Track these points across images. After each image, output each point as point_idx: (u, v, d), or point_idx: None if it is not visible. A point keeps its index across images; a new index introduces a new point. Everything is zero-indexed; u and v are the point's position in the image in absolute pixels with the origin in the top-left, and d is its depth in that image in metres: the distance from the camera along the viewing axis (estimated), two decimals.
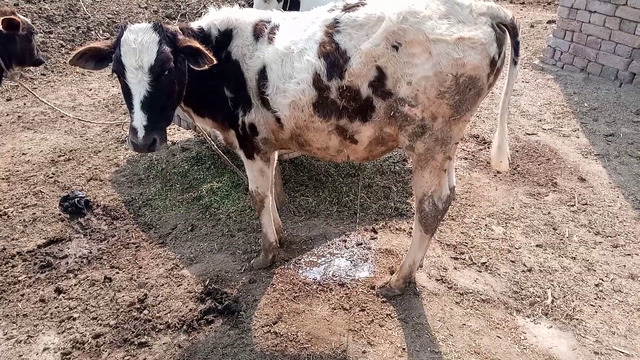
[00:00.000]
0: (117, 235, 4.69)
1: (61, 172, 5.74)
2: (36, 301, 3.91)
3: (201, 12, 10.80)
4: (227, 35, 3.52)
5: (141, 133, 3.04)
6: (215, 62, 3.15)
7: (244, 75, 3.47)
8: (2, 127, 6.81)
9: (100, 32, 9.67)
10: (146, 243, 4.59)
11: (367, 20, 3.15)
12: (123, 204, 5.20)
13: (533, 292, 3.89)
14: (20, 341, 3.55)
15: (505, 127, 3.39)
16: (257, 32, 3.48)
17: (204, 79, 3.43)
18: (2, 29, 4.61)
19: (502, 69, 3.18)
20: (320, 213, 4.95)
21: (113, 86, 8.27)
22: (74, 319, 3.71)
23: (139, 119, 3.05)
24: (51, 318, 3.74)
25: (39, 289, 4.05)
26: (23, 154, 6.14)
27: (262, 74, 3.39)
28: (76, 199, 5.04)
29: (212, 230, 4.72)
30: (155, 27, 3.17)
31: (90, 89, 8.10)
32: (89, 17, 9.96)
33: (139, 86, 3.06)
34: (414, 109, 3.09)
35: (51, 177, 5.62)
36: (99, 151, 6.23)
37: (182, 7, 10.88)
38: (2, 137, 6.55)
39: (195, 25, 3.59)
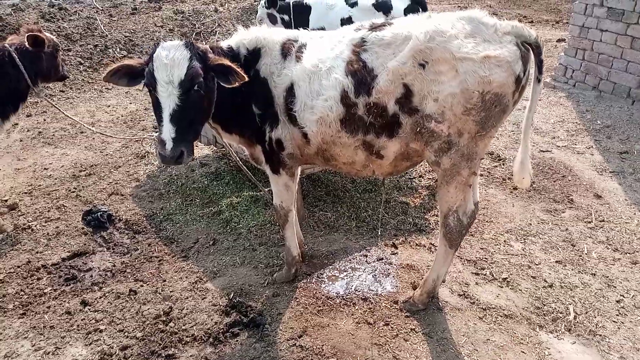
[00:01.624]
0: (139, 249, 4.76)
1: (83, 186, 5.83)
2: (62, 313, 3.97)
3: (215, 31, 11.03)
4: (255, 54, 3.62)
5: (169, 145, 3.13)
6: (246, 79, 3.25)
7: (272, 92, 3.56)
8: (23, 142, 6.93)
9: (118, 49, 9.87)
10: (169, 257, 4.65)
11: (394, 39, 3.24)
12: (145, 219, 5.27)
13: (555, 308, 3.91)
14: (49, 352, 3.60)
15: (528, 144, 3.45)
16: (285, 50, 3.58)
17: (232, 97, 3.52)
18: (28, 46, 4.75)
19: (526, 86, 3.25)
20: (339, 228, 5.00)
21: (130, 103, 8.41)
22: (101, 331, 3.75)
23: (168, 132, 3.14)
24: (78, 330, 3.79)
25: (65, 301, 4.11)
26: (45, 168, 6.24)
27: (290, 91, 3.48)
28: (99, 213, 5.12)
29: (234, 245, 4.78)
30: (186, 44, 3.29)
31: (109, 106, 8.24)
32: (107, 35, 10.17)
33: (169, 100, 3.16)
34: (440, 125, 3.16)
35: (73, 192, 5.71)
36: (119, 166, 6.33)
37: (196, 25, 11.08)
38: (23, 152, 6.67)
39: (224, 44, 3.70)
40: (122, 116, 7.87)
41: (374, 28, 3.39)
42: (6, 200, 5.47)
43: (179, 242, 4.89)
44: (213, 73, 3.32)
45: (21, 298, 4.14)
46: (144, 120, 7.77)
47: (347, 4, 7.11)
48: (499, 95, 3.08)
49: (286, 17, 7.24)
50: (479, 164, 3.36)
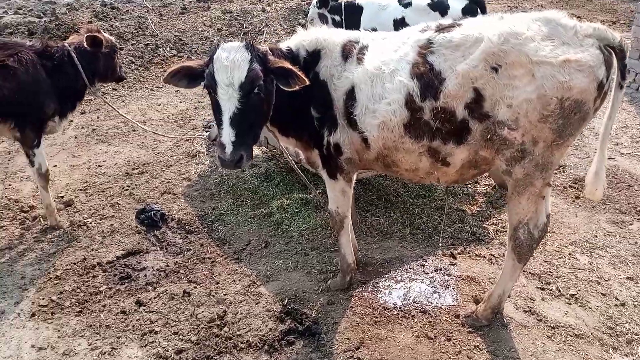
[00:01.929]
0: (192, 250, 4.75)
1: (136, 185, 5.89)
2: (117, 313, 3.99)
3: (263, 31, 11.04)
4: (315, 56, 3.53)
5: (229, 149, 3.07)
6: (307, 82, 3.16)
7: (331, 95, 3.46)
8: (78, 139, 7.08)
9: (168, 49, 10.00)
10: (221, 258, 4.62)
11: (463, 41, 3.08)
12: (197, 218, 5.27)
13: (629, 329, 3.65)
14: (105, 352, 3.61)
15: (605, 154, 3.23)
16: (346, 52, 3.47)
17: (290, 99, 3.43)
18: (86, 46, 4.81)
19: (608, 92, 3.03)
20: (393, 235, 4.85)
21: (180, 102, 8.49)
22: (156, 333, 3.75)
23: (228, 135, 3.09)
24: (133, 331, 3.80)
25: (120, 300, 4.13)
26: (99, 166, 6.35)
27: (351, 95, 3.37)
28: (152, 212, 5.15)
29: (286, 248, 4.71)
30: (247, 46, 3.23)
31: (159, 104, 8.35)
32: (157, 35, 10.32)
33: (229, 103, 3.11)
34: (513, 133, 2.98)
35: (126, 190, 5.78)
36: (171, 165, 6.37)
37: (244, 25, 11.12)
38: (78, 149, 6.81)
39: (283, 45, 3.62)
40: (172, 115, 7.95)
41: (441, 29, 3.23)
42: (62, 197, 5.58)
43: (231, 243, 4.86)
44: (273, 76, 3.26)
45: (77, 295, 4.19)
46: (194, 119, 7.82)
47: (400, 4, 6.94)
48: (579, 102, 2.88)
49: (337, 18, 7.14)
50: (553, 174, 3.15)
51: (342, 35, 3.59)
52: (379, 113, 3.25)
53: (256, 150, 6.67)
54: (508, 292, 3.57)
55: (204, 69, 3.25)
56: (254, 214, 5.35)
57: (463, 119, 3.08)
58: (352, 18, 7.03)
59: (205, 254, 4.68)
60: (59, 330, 3.83)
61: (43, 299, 4.14)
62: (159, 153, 6.71)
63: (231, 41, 3.35)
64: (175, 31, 10.56)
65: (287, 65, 3.21)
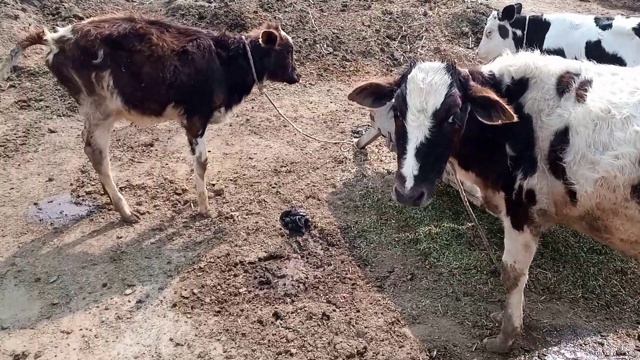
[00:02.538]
0: (333, 265, 4.51)
1: (283, 183, 5.81)
2: (255, 321, 3.86)
3: (422, 36, 10.54)
4: (521, 85, 3.03)
5: (409, 183, 2.72)
6: (515, 119, 2.69)
7: (535, 133, 2.94)
8: (232, 127, 7.22)
9: (325, 45, 9.93)
10: (362, 282, 4.31)
11: None
12: (339, 230, 5.02)
13: None
14: None
15: None
16: (563, 85, 2.91)
17: (481, 130, 2.96)
18: (261, 42, 4.73)
19: None
20: (562, 295, 4.17)
21: (331, 102, 8.35)
22: (291, 355, 3.54)
23: (410, 167, 2.74)
24: (269, 346, 3.63)
25: (258, 307, 4.01)
26: (249, 158, 6.39)
27: (562, 137, 2.83)
28: (297, 217, 5.00)
29: (434, 286, 4.26)
30: (448, 68, 2.83)
31: (311, 102, 8.28)
32: (316, 30, 10.31)
33: (418, 130, 2.75)
34: None
35: (274, 187, 5.71)
36: (317, 168, 6.21)
37: (403, 28, 10.71)
38: (232, 137, 6.93)
39: (485, 69, 3.15)
40: (322, 115, 7.82)
41: None
42: (213, 185, 5.65)
43: (373, 266, 4.53)
44: (471, 105, 2.82)
45: (217, 293, 4.14)
46: (343, 122, 7.62)
47: (597, 25, 6.04)
48: None
49: (519, 32, 6.43)
50: None
51: (558, 64, 3.03)
52: (601, 166, 2.66)
53: None
54: None
55: (394, 88, 2.93)
56: (398, 237, 4.97)
57: None
58: (536, 35, 6.29)
59: (346, 273, 4.40)
60: (196, 328, 3.78)
61: (185, 289, 4.15)
62: (307, 153, 6.59)
63: (425, 61, 2.96)
64: (333, 28, 10.47)
65: (493, 95, 2.75)
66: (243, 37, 4.83)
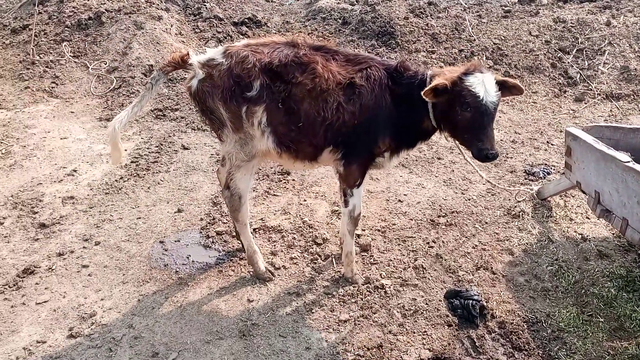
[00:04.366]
0: None
1: (443, 242, 4.65)
2: None
3: (604, 50, 8.68)
4: None
5: None
6: None
7: None
8: None
9: (484, 58, 8.53)
10: None
11: None
12: (525, 325, 3.77)
13: None
14: None
15: None
16: None
17: None
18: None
19: None
20: None
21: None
22: None
23: None
24: None
25: None
26: (399, 200, 5.30)
27: None
28: (471, 301, 3.83)
29: None
30: None
31: None
32: (474, 40, 8.92)
33: None
34: None
35: (432, 247, 4.58)
36: (486, 223, 4.96)
37: (579, 40, 8.92)
38: (377, 170, 5.89)
39: None
40: None
41: None
42: (359, 236, 4.64)
43: None
44: None
45: None
46: (511, 157, 6.24)
47: None
48: None
49: None
50: None
51: None
52: None
53: (604, 231, 4.79)
54: None
55: None
56: (612, 346, 3.60)
57: None
58: None
59: None
60: None
61: None
62: (469, 199, 5.35)
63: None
64: (494, 38, 9.00)
65: None
66: (428, 71, 3.66)
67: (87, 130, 6.57)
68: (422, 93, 3.30)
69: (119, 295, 3.95)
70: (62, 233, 4.63)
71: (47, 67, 7.93)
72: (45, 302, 3.88)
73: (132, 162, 5.80)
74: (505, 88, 3.42)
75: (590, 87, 8.08)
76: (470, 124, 3.32)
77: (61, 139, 6.34)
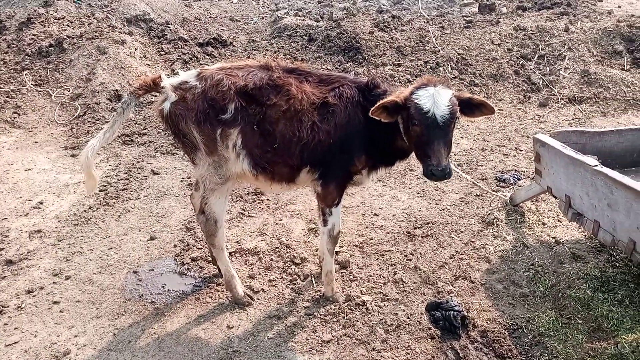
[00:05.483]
0: None
1: (420, 254, 4.66)
2: None
3: (564, 55, 8.95)
4: None
5: None
6: None
7: None
8: None
9: (449, 68, 8.68)
10: None
11: None
12: (506, 332, 3.79)
13: None
14: None
15: None
16: None
17: None
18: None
19: None
20: None
21: (462, 137, 7.09)
22: None
23: None
24: None
25: None
26: (375, 214, 5.31)
27: None
28: (451, 312, 3.83)
29: None
30: None
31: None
32: (439, 51, 9.08)
33: None
34: None
35: (409, 259, 4.58)
36: (461, 232, 4.99)
37: (540, 47, 9.17)
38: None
39: None
40: (455, 155, 6.59)
41: None
42: (337, 253, 4.61)
43: None
44: None
45: None
46: (481, 164, 6.33)
47: None
48: None
49: None
50: None
51: None
52: None
53: (574, 230, 4.88)
54: None
55: None
56: (591, 347, 3.64)
57: None
58: None
59: None
60: None
61: None
62: (443, 209, 5.39)
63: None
64: (458, 48, 9.18)
65: None
66: (396, 89, 3.68)
67: (52, 160, 6.40)
68: (370, 113, 3.30)
69: (93, 330, 3.81)
70: (30, 269, 4.46)
71: (7, 97, 7.71)
72: (15, 343, 3.70)
73: (100, 190, 5.66)
74: (473, 106, 3.38)
75: (553, 92, 8.30)
76: (419, 138, 3.27)
77: (25, 170, 6.15)
